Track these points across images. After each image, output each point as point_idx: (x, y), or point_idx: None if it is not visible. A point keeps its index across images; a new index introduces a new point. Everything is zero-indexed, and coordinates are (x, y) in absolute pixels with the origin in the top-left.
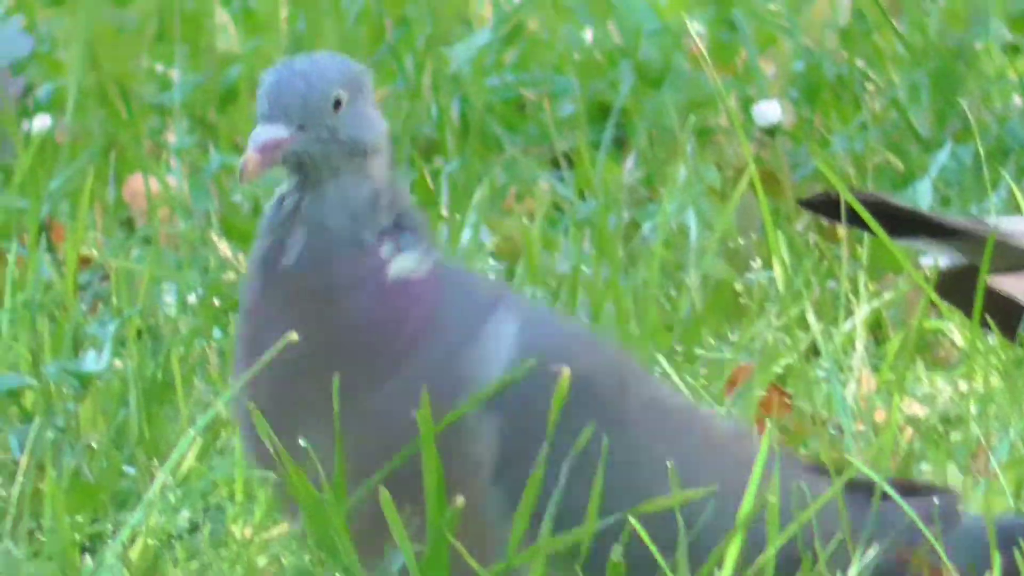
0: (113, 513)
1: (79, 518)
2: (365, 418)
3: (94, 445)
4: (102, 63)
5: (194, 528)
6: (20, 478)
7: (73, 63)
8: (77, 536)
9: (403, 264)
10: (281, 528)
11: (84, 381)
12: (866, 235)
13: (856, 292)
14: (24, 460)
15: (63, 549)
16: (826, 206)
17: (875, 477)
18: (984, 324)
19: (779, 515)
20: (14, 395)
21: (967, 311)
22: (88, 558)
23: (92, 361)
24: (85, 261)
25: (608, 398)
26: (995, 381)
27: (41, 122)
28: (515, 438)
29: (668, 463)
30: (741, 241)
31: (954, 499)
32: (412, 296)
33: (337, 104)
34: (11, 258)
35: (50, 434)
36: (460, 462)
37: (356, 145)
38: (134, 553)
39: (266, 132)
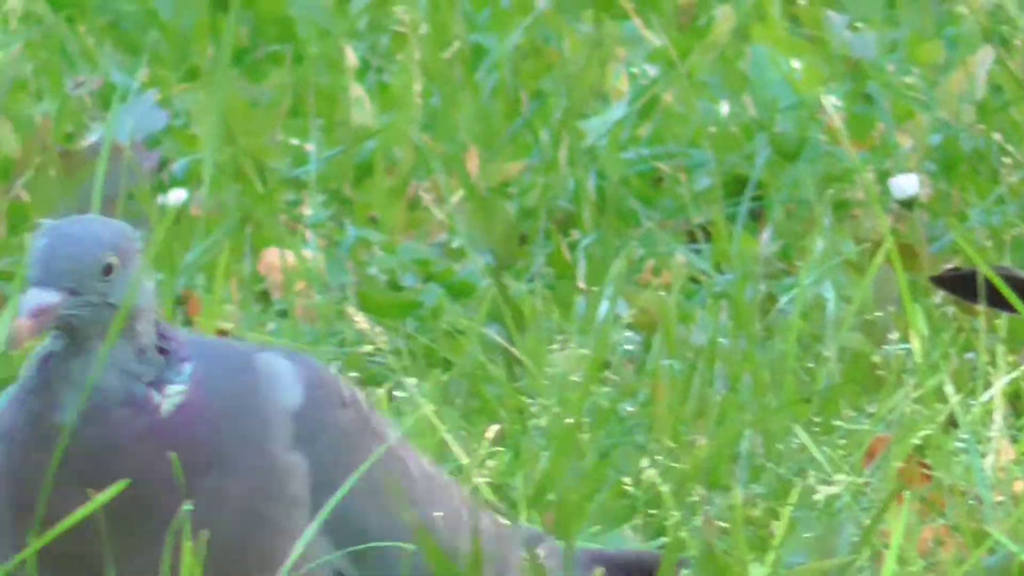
0: None
1: None
2: (221, 522)
3: None
4: (237, 137)
5: None
6: None
7: (208, 137)
8: None
9: (172, 399)
10: None
11: None
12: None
13: (994, 364)
14: None
15: None
16: (957, 282)
17: (1012, 547)
18: None
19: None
20: None
21: None
22: None
23: None
24: (221, 334)
25: (376, 427)
26: None
27: (176, 196)
28: (319, 471)
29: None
30: (878, 313)
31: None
32: (189, 419)
33: (108, 269)
34: None
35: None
36: (286, 504)
37: (127, 306)
38: None
39: (37, 297)
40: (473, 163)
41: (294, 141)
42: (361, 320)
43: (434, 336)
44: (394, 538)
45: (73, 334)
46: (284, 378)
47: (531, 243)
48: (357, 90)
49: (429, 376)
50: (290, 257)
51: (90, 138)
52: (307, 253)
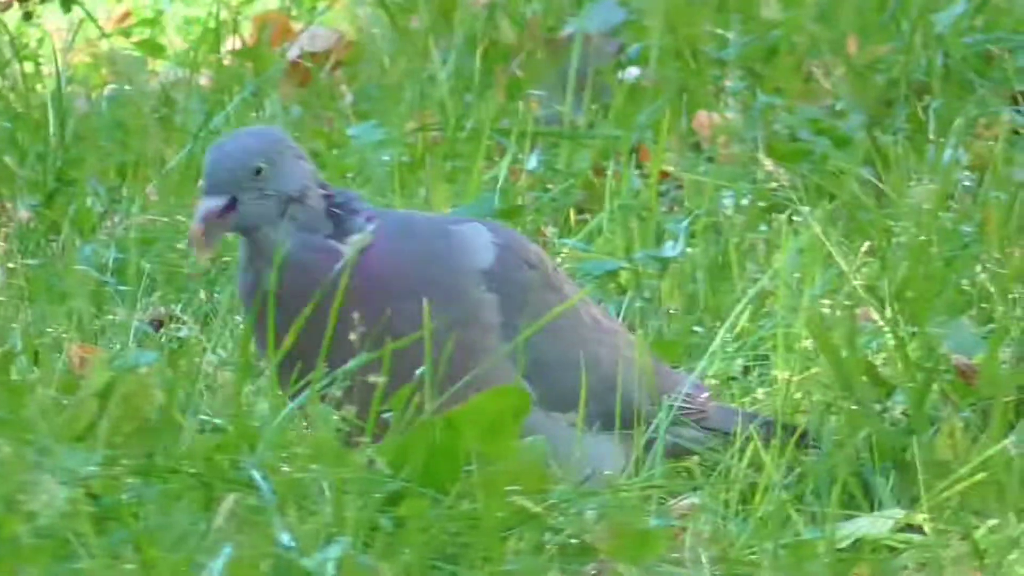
0: (687, 362)
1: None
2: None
3: (672, 311)
4: (677, 28)
5: (746, 372)
6: None
7: (655, 28)
8: None
9: (354, 245)
10: (811, 373)
11: (664, 264)
12: None
13: None
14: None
15: None
16: None
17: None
18: None
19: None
20: (613, 275)
21: None
22: None
23: (670, 249)
24: (664, 175)
25: (553, 277)
26: None
27: (631, 72)
28: (505, 313)
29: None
30: None
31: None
32: (377, 257)
33: (257, 171)
34: (609, 173)
35: (639, 304)
36: (480, 329)
37: (282, 195)
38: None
39: (205, 204)
40: (852, 46)
41: (719, 31)
42: (768, 164)
43: (822, 175)
44: (564, 366)
45: (247, 228)
46: (478, 243)
47: (894, 106)
48: None
49: (818, 205)
50: (716, 117)
51: (567, 30)
52: (728, 115)
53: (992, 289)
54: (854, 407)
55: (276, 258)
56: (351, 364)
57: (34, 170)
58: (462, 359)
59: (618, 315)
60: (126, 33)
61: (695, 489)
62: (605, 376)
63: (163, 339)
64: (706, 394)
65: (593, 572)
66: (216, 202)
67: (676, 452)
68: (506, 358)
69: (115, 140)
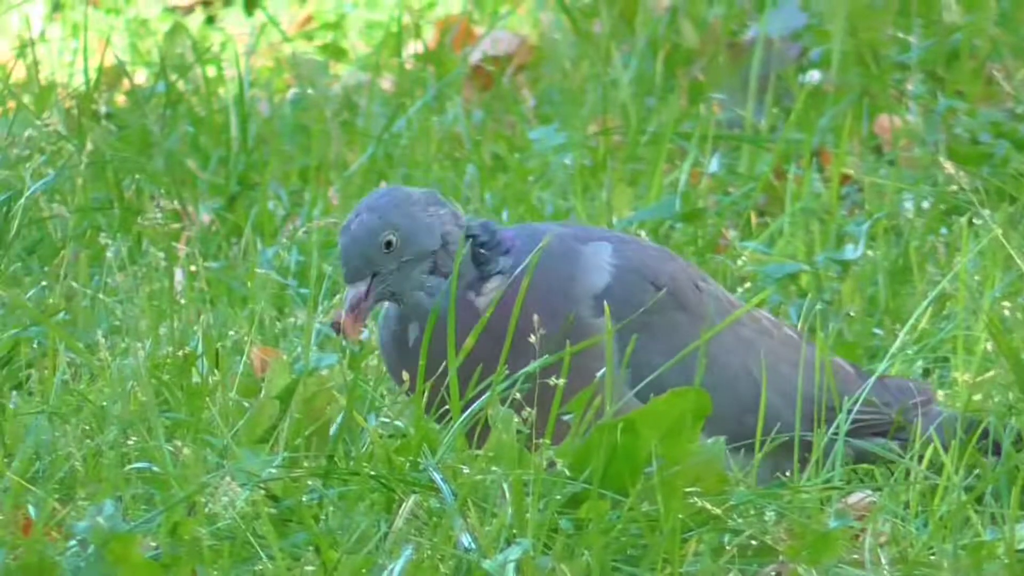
0: (868, 364)
1: None
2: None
3: (852, 314)
4: (858, 32)
5: (926, 373)
6: None
7: (837, 32)
8: None
9: (488, 296)
10: (991, 375)
11: (845, 266)
12: None
13: None
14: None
15: None
16: None
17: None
18: None
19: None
20: (793, 278)
21: None
22: None
23: (850, 252)
24: (845, 178)
25: (689, 296)
26: None
27: (813, 76)
28: (623, 335)
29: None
30: None
31: (930, 391)
32: (508, 304)
33: (388, 245)
34: (790, 176)
35: (819, 306)
36: (590, 355)
37: (421, 255)
38: None
39: (349, 294)
40: None
41: (900, 34)
42: (949, 167)
43: (1003, 178)
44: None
45: (394, 295)
46: (595, 264)
47: None
48: None
49: (999, 208)
50: (897, 121)
51: (749, 33)
52: (910, 118)
53: None
54: None
55: (430, 320)
56: (500, 387)
57: (216, 174)
58: (578, 384)
59: (799, 317)
60: (308, 37)
61: (876, 490)
62: (741, 398)
63: (344, 342)
64: (919, 400)
65: (773, 573)
66: (358, 289)
67: (860, 459)
68: (623, 384)
69: (297, 144)
